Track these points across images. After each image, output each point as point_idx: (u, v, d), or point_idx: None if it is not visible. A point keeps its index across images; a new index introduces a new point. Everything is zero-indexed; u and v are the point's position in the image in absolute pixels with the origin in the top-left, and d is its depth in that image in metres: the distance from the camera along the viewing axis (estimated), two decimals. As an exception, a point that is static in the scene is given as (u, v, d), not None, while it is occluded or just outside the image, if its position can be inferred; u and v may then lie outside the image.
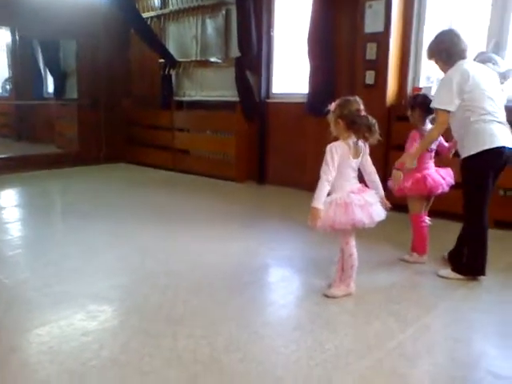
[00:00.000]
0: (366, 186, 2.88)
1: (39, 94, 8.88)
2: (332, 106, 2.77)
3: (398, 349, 2.29)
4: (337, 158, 2.70)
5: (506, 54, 4.41)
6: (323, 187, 2.69)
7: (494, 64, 4.32)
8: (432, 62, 3.25)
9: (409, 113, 3.46)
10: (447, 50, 3.08)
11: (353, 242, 2.85)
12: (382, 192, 2.90)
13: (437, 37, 3.17)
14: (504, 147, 2.98)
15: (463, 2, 4.83)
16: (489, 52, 4.42)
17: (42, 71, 8.97)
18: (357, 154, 2.77)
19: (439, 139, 3.39)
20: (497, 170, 3.06)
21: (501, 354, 2.29)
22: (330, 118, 2.78)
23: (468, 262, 3.12)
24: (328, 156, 2.70)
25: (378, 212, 2.77)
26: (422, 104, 3.35)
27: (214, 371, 2.10)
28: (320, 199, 2.68)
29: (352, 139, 2.74)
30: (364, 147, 2.80)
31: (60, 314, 2.63)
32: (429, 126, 3.36)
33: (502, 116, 3.05)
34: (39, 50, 8.81)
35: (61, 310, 2.68)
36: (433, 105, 3.09)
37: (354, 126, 2.69)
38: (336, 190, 2.78)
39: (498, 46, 4.42)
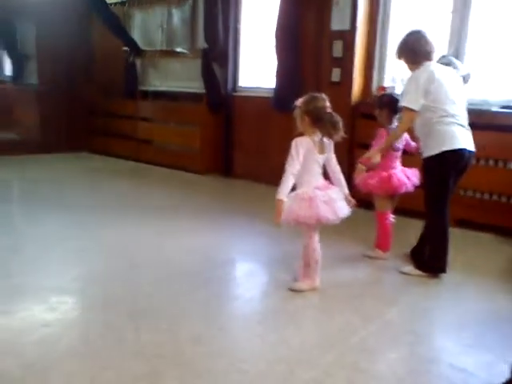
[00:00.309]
0: (331, 183, 2.91)
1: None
2: (298, 102, 2.79)
3: (360, 344, 2.33)
4: (302, 152, 2.71)
5: (465, 58, 4.54)
6: (288, 180, 2.70)
7: (454, 68, 4.42)
8: (400, 62, 3.29)
9: (376, 112, 3.51)
10: (414, 51, 3.13)
11: (316, 237, 2.87)
12: (346, 189, 2.93)
13: (405, 37, 3.22)
14: (464, 149, 3.05)
15: (426, 5, 4.93)
16: (449, 56, 4.55)
17: (-1, 53, 8.62)
18: (322, 150, 2.80)
19: (405, 138, 3.46)
20: (457, 172, 3.13)
21: (460, 349, 2.35)
22: (297, 113, 2.79)
23: (429, 259, 3.20)
24: (293, 150, 2.71)
25: (342, 208, 2.80)
26: (390, 104, 3.40)
27: (177, 365, 2.08)
28: (284, 191, 2.69)
29: (317, 135, 2.76)
30: (329, 144, 2.83)
31: (19, 305, 2.55)
32: (396, 124, 3.41)
33: (464, 119, 3.12)
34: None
35: (20, 301, 2.60)
36: (400, 103, 3.14)
37: (320, 122, 2.72)
38: (302, 185, 2.80)
39: (457, 50, 4.55)
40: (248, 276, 3.25)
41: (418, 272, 3.20)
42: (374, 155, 3.20)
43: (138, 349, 2.18)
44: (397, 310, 2.73)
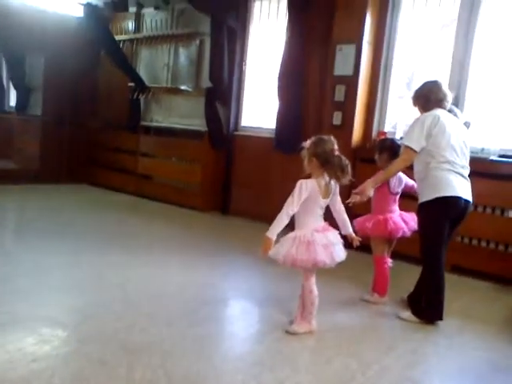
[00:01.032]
0: (331, 224, 2.90)
1: (0, 107, 8.62)
2: (307, 144, 2.79)
3: (358, 389, 2.28)
4: (305, 195, 2.70)
5: (465, 107, 4.63)
6: (282, 219, 2.68)
7: (454, 115, 4.53)
8: (415, 109, 3.34)
9: (376, 156, 3.55)
10: (426, 97, 3.20)
11: (313, 280, 2.84)
12: (350, 229, 2.94)
13: (422, 84, 3.31)
14: (460, 198, 3.05)
15: (427, 54, 5.07)
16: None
17: (5, 84, 8.75)
18: (327, 193, 2.79)
19: (403, 180, 3.48)
20: (453, 220, 3.12)
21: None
22: (304, 154, 2.80)
23: (426, 307, 3.16)
24: (296, 190, 2.70)
25: (339, 253, 2.78)
26: (391, 148, 3.44)
27: (170, 405, 2.03)
28: (275, 230, 2.67)
29: (324, 178, 2.77)
30: (335, 187, 2.83)
31: (8, 337, 2.48)
32: None
33: (464, 168, 3.12)
34: (3, 63, 8.60)
35: (9, 332, 2.53)
36: (402, 141, 3.20)
37: (328, 165, 2.72)
38: (300, 226, 2.79)
39: (457, 99, 4.64)
40: (243, 315, 3.20)
41: (415, 319, 3.16)
42: (368, 187, 3.17)
43: (130, 386, 2.13)
44: (395, 356, 2.68)
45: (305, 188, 2.70)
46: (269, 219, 2.88)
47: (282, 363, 2.47)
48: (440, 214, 3.07)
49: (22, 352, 2.34)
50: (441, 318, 3.12)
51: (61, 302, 3.04)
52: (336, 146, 2.76)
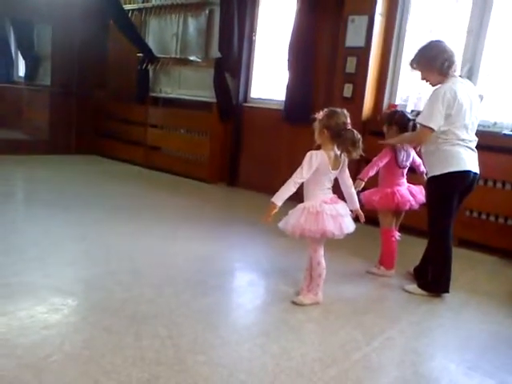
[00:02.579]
0: (339, 197, 2.90)
1: (9, 77, 8.60)
2: (319, 115, 2.77)
3: (362, 360, 2.31)
4: (315, 166, 2.70)
5: (478, 80, 4.55)
6: (289, 187, 2.70)
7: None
8: (416, 73, 3.16)
9: (385, 129, 3.50)
10: (449, 60, 2.99)
11: (321, 251, 2.86)
12: (357, 204, 2.93)
13: (437, 45, 3.05)
14: (469, 171, 3.03)
15: (442, 25, 4.96)
16: (462, 77, 4.55)
17: (13, 53, 8.70)
18: (336, 165, 2.79)
19: (411, 155, 3.45)
20: (461, 193, 3.10)
21: (462, 371, 2.33)
22: (316, 126, 2.78)
23: (432, 279, 3.18)
24: (306, 161, 2.70)
25: (348, 224, 2.79)
26: (401, 121, 3.38)
27: (177, 372, 2.06)
28: (281, 197, 2.69)
29: (334, 151, 2.75)
30: (344, 160, 2.82)
31: (19, 305, 2.53)
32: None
33: (472, 142, 3.08)
34: (11, 31, 8.55)
35: (21, 301, 2.58)
36: (419, 120, 3.04)
37: (339, 138, 2.70)
38: (309, 198, 2.79)
39: (470, 72, 4.56)
40: (250, 286, 3.23)
41: (421, 291, 3.18)
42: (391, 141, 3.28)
43: (138, 355, 2.17)
44: (399, 328, 2.71)
45: (315, 159, 2.70)
46: (276, 191, 2.89)
47: (287, 334, 2.50)
48: (449, 188, 3.05)
49: (33, 319, 2.39)
50: (447, 291, 3.14)
51: (70, 272, 3.08)
52: (349, 120, 2.73)
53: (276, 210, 2.68)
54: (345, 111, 2.76)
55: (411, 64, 3.14)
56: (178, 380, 2.01)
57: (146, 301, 2.75)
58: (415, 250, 3.55)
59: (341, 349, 2.40)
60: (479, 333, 2.77)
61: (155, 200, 5.37)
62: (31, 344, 2.17)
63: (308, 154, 2.72)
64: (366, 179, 3.35)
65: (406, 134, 3.24)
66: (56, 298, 2.65)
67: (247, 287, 3.24)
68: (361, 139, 2.69)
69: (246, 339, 2.43)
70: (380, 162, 3.36)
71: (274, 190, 2.78)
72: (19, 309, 2.48)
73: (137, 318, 2.52)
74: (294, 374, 2.13)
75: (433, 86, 3.09)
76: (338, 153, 2.75)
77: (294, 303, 2.86)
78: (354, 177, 4.48)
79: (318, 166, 2.71)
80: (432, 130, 2.95)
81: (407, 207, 3.42)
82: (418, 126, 3.11)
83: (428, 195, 3.20)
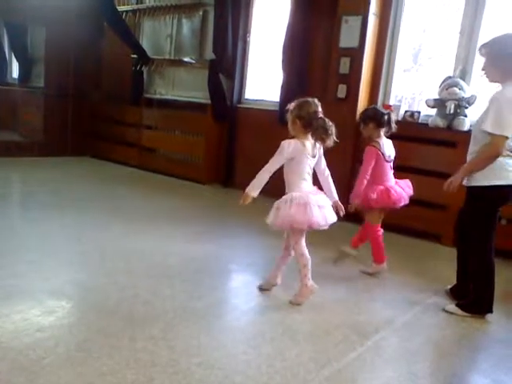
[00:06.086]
0: (319, 188, 2.94)
1: (2, 78, 8.57)
2: (291, 106, 2.82)
3: (357, 360, 2.32)
4: (288, 154, 2.74)
5: (471, 80, 4.57)
6: (262, 176, 2.78)
7: (460, 89, 4.48)
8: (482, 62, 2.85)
9: (361, 127, 3.47)
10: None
11: (303, 242, 2.88)
12: (336, 196, 2.94)
13: (505, 39, 2.75)
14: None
15: (435, 26, 4.98)
16: (455, 77, 4.58)
17: (7, 55, 8.67)
18: (313, 153, 2.82)
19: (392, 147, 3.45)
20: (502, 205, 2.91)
21: (454, 370, 2.34)
22: (288, 117, 2.82)
23: (475, 299, 2.96)
24: (279, 149, 2.76)
25: (331, 214, 2.82)
26: (374, 117, 3.36)
27: (171, 374, 2.06)
28: (256, 187, 2.76)
29: (309, 140, 2.79)
30: (319, 148, 2.85)
31: (14, 308, 2.52)
32: (384, 138, 3.40)
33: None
34: (5, 33, 8.51)
35: (15, 303, 2.57)
36: (486, 128, 2.67)
37: (311, 127, 2.74)
38: (293, 188, 2.82)
39: (463, 72, 4.58)
40: (245, 287, 3.24)
41: (462, 312, 2.95)
42: (458, 179, 2.84)
43: (133, 357, 2.16)
44: (393, 328, 2.72)
45: (287, 147, 2.74)
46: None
47: (282, 334, 2.51)
48: (497, 201, 2.85)
49: (27, 322, 2.38)
50: (490, 311, 2.91)
51: (65, 274, 3.07)
52: (320, 109, 2.77)
53: (250, 200, 2.75)
54: (316, 100, 2.80)
55: (480, 50, 2.83)
56: (173, 382, 2.01)
57: (141, 302, 2.74)
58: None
59: (335, 349, 2.41)
60: (474, 332, 2.79)
61: (150, 201, 5.36)
62: (25, 347, 2.16)
63: (282, 142, 2.76)
64: (358, 200, 3.30)
65: (478, 156, 2.79)
66: (51, 300, 2.64)
67: (242, 288, 3.24)
68: (333, 126, 2.72)
69: (241, 340, 2.43)
70: (369, 166, 3.32)
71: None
72: (14, 311, 2.47)
73: (132, 319, 2.52)
74: (289, 375, 2.13)
75: (489, 81, 2.87)
76: (313, 142, 2.79)
77: (291, 303, 2.87)
78: (350, 178, 4.52)
79: (294, 155, 2.75)
80: (505, 137, 2.66)
81: (402, 203, 3.41)
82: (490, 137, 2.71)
83: (470, 206, 2.94)
